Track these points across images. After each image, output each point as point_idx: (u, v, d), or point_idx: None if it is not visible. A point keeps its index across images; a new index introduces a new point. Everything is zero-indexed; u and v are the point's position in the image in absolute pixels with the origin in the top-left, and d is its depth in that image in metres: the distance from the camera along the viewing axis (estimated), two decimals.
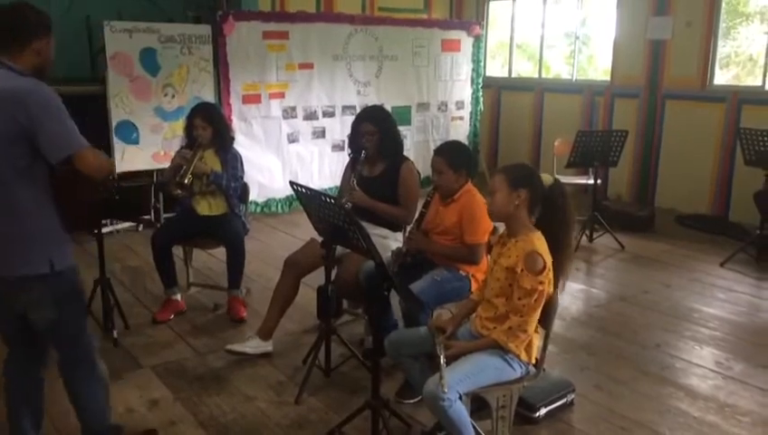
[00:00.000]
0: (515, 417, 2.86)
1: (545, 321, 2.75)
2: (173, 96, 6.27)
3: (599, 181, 6.52)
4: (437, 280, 3.39)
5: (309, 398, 3.39)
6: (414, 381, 3.01)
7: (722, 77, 7.30)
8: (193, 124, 4.33)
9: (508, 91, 9.29)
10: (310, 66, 7.04)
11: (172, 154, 4.70)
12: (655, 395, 3.51)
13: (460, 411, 2.53)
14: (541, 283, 2.57)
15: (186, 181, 4.19)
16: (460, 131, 8.40)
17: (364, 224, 3.15)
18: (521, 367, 2.70)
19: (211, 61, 6.42)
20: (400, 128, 4.19)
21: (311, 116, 7.15)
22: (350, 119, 4.94)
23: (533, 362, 2.77)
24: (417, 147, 7.93)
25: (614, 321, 4.51)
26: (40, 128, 2.30)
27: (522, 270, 2.59)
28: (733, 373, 3.78)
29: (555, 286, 2.74)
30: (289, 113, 6.99)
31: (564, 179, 3.41)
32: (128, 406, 3.30)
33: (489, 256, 2.97)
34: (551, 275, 2.62)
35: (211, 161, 4.35)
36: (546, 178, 2.72)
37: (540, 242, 2.63)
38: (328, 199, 3.03)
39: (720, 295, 5.01)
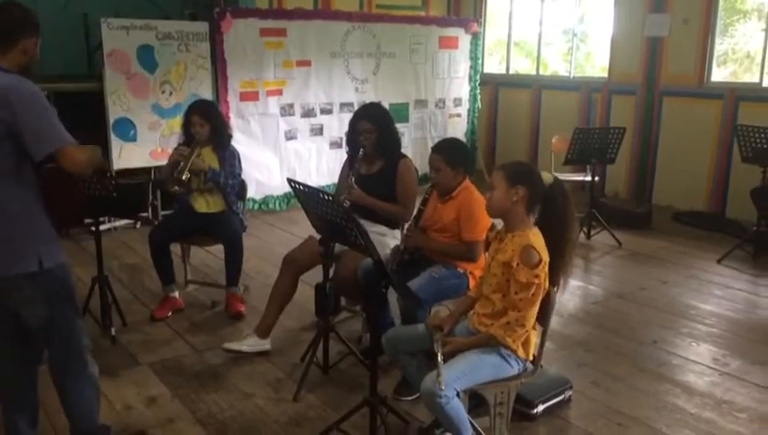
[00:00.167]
0: (513, 414, 2.87)
1: (543, 318, 2.76)
2: (170, 93, 6.26)
3: (596, 178, 6.53)
4: (435, 277, 3.39)
5: (307, 395, 3.39)
6: (411, 378, 3.02)
7: (719, 74, 7.32)
8: (190, 121, 4.32)
9: (506, 89, 9.29)
10: (307, 63, 7.04)
11: (170, 151, 4.70)
12: (652, 391, 3.52)
13: (457, 408, 2.54)
14: (536, 276, 2.58)
15: (183, 178, 4.19)
16: (458, 128, 8.41)
17: (362, 221, 3.15)
18: (518, 364, 2.71)
19: (208, 58, 6.42)
20: (398, 125, 4.19)
21: (308, 113, 7.15)
22: (347, 116, 4.95)
23: (531, 358, 2.77)
24: (414, 144, 7.93)
25: (611, 317, 4.52)
26: (23, 124, 2.29)
27: (517, 264, 2.59)
28: (729, 370, 3.79)
29: (556, 285, 2.75)
30: (287, 110, 6.99)
31: (562, 176, 3.42)
32: (126, 403, 3.30)
33: (487, 253, 2.98)
34: (546, 269, 2.62)
35: (209, 158, 4.34)
36: (546, 177, 2.72)
37: (536, 237, 2.63)
38: (326, 197, 3.03)
39: (717, 292, 5.02)
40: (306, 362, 3.48)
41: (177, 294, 4.44)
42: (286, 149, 7.04)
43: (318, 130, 7.26)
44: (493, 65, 9.61)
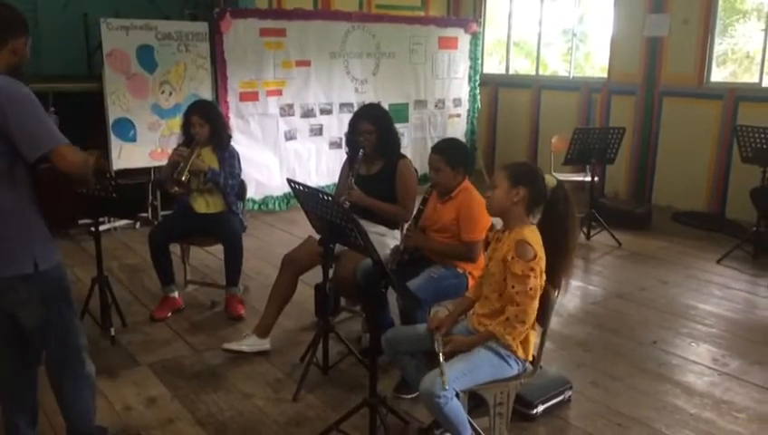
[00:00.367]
0: (513, 414, 2.87)
1: (542, 318, 2.76)
2: (170, 93, 6.26)
3: (596, 178, 6.54)
4: (435, 277, 3.39)
5: (307, 395, 3.39)
6: (411, 379, 3.02)
7: (719, 74, 7.32)
8: (190, 122, 4.32)
9: (505, 89, 9.29)
10: (307, 63, 7.04)
11: (169, 152, 4.70)
12: (651, 392, 3.52)
13: (457, 409, 2.54)
14: (532, 269, 2.58)
15: (183, 179, 4.19)
16: (457, 129, 8.41)
17: (362, 222, 3.15)
18: (518, 364, 2.71)
19: (208, 58, 6.42)
20: (398, 125, 4.19)
21: (308, 113, 7.15)
22: (347, 116, 4.95)
23: (530, 359, 2.77)
24: (414, 144, 7.94)
25: (611, 318, 4.52)
26: (15, 125, 2.28)
27: (512, 257, 2.60)
28: (729, 370, 3.79)
29: (557, 288, 2.75)
30: (286, 111, 6.99)
31: (561, 177, 3.43)
32: (125, 404, 3.30)
33: (485, 253, 2.98)
34: (542, 264, 2.63)
35: (208, 159, 4.34)
36: (550, 181, 2.72)
37: (531, 233, 2.64)
38: (326, 197, 3.03)
39: (717, 292, 5.02)
40: (306, 362, 3.48)
41: (176, 294, 4.44)
42: (286, 149, 7.05)
43: (317, 131, 7.26)
44: (492, 65, 9.62)
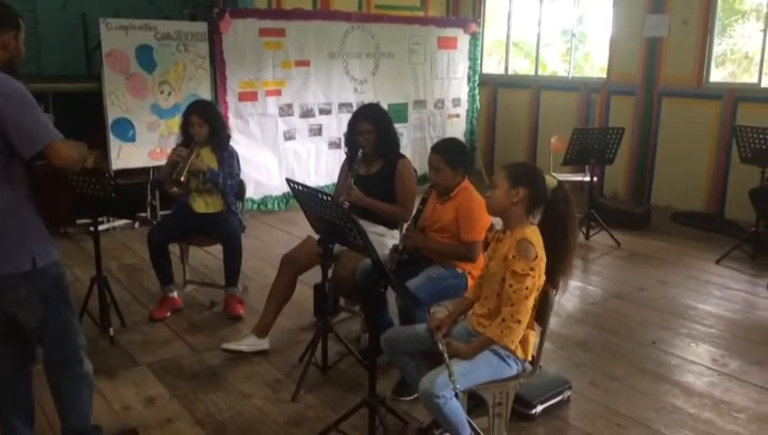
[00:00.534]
0: (512, 414, 2.87)
1: (541, 318, 2.76)
2: (169, 93, 6.26)
3: (595, 178, 6.54)
4: (434, 277, 3.39)
5: (306, 395, 3.39)
6: (410, 379, 3.01)
7: (718, 74, 7.32)
8: (189, 122, 4.32)
9: (505, 89, 9.29)
10: (306, 63, 7.03)
11: (168, 151, 4.70)
12: (651, 392, 3.52)
13: (456, 409, 2.54)
14: (532, 269, 2.57)
15: (182, 179, 4.18)
16: (457, 129, 8.41)
17: (361, 222, 3.15)
18: (517, 364, 2.71)
19: (207, 58, 6.41)
20: (397, 125, 4.19)
21: (307, 113, 7.15)
22: (346, 116, 4.94)
23: (530, 359, 2.77)
24: (413, 144, 7.93)
25: (610, 318, 4.52)
26: (10, 122, 2.27)
27: (513, 256, 2.59)
28: (728, 370, 3.79)
29: (556, 288, 2.74)
30: (285, 111, 6.99)
31: (561, 177, 3.42)
32: (124, 404, 3.30)
33: (485, 254, 2.98)
34: (543, 265, 2.62)
35: (207, 159, 4.34)
36: (550, 181, 2.72)
37: (533, 234, 2.64)
38: (325, 197, 3.03)
39: (716, 293, 5.02)
40: (305, 362, 3.47)
41: (175, 294, 4.43)
42: (285, 149, 7.04)
43: (317, 131, 7.26)
44: (491, 66, 9.62)
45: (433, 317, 3.00)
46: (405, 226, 3.69)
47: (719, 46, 7.29)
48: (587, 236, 6.22)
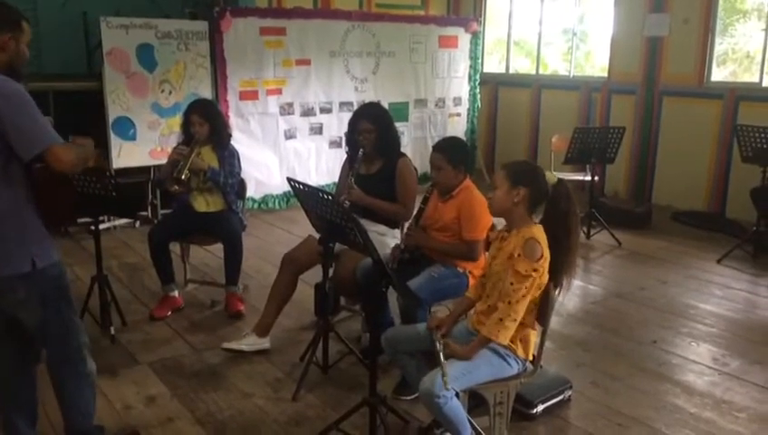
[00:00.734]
0: (513, 413, 2.87)
1: (542, 317, 2.76)
2: (170, 92, 6.26)
3: (596, 178, 6.53)
4: (435, 276, 3.39)
5: (306, 395, 3.39)
6: (410, 378, 3.01)
7: (719, 74, 7.32)
8: (190, 121, 4.32)
9: (505, 88, 9.29)
10: (307, 62, 7.03)
11: (169, 150, 4.70)
12: (651, 391, 3.52)
13: (456, 408, 2.54)
14: (535, 270, 2.57)
15: (183, 178, 4.18)
16: (457, 128, 8.41)
17: (362, 221, 3.15)
18: (518, 363, 2.70)
19: (208, 57, 6.41)
20: (397, 124, 4.18)
21: (308, 112, 7.15)
22: (347, 115, 4.94)
23: (530, 358, 2.77)
24: (414, 143, 7.93)
25: (611, 317, 4.52)
26: (9, 124, 2.27)
27: (519, 255, 2.59)
28: (729, 370, 3.79)
29: (558, 286, 2.74)
30: (286, 110, 6.99)
31: (561, 176, 3.41)
32: (125, 403, 3.30)
33: (487, 253, 2.97)
34: (546, 265, 2.62)
35: (208, 158, 4.34)
36: (551, 178, 2.71)
37: (540, 234, 2.63)
38: (326, 196, 3.03)
39: (717, 292, 5.02)
40: (305, 361, 3.47)
41: (176, 293, 4.43)
42: (286, 148, 7.04)
43: (317, 130, 7.25)
44: (492, 65, 9.61)
45: (433, 317, 3.00)
46: (406, 225, 3.69)
47: (720, 45, 7.28)
48: (588, 236, 6.22)
